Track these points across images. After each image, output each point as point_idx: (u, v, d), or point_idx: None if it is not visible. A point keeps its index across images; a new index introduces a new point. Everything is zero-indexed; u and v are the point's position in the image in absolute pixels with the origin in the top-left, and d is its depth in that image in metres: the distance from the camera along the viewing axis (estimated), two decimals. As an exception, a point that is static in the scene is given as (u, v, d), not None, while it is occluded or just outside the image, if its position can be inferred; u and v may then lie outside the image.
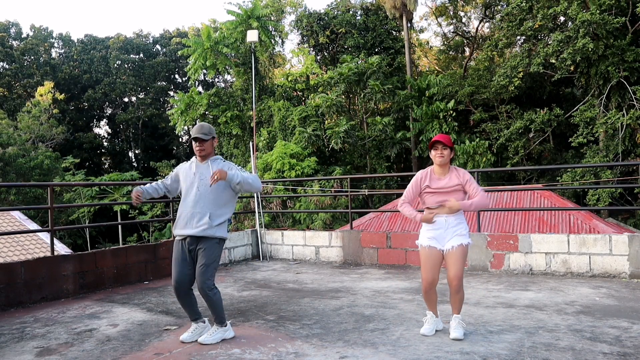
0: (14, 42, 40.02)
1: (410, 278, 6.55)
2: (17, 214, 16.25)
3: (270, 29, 26.29)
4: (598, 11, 17.15)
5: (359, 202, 22.16)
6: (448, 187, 3.86)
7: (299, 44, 29.98)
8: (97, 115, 44.34)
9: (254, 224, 14.71)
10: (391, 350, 3.70)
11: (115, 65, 41.56)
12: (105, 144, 42.98)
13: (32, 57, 39.56)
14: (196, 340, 4.06)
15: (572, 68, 20.13)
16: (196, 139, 4.07)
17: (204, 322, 4.19)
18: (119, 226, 29.51)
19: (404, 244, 7.51)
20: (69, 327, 4.64)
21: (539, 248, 6.62)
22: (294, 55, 31.78)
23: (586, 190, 19.67)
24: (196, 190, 4.04)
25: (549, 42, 19.70)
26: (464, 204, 3.83)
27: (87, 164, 37.24)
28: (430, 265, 3.90)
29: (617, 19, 17.28)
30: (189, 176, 4.13)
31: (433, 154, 3.91)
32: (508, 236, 6.87)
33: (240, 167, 4.17)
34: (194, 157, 4.22)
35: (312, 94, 24.56)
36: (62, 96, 36.25)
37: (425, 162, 25.37)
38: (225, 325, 4.11)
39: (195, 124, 27.76)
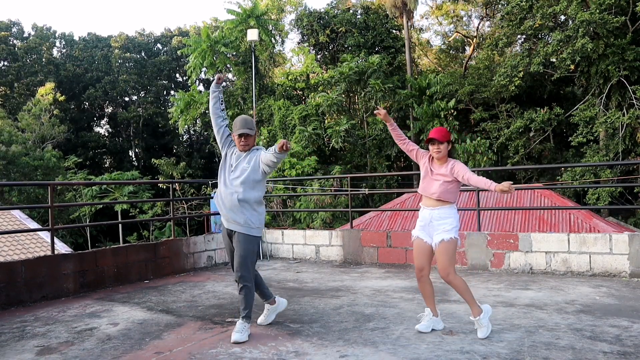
0: (16, 41, 39.99)
1: (411, 277, 6.55)
2: (17, 213, 16.25)
3: (270, 28, 26.25)
4: (598, 10, 17.12)
5: (359, 201, 22.15)
6: (446, 175, 4.05)
7: (299, 43, 29.94)
8: (98, 114, 44.32)
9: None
10: (391, 349, 3.71)
11: (117, 63, 41.56)
12: (106, 142, 42.93)
13: (35, 56, 39.52)
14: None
15: (572, 67, 20.12)
16: (241, 135, 4.05)
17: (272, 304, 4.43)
18: (120, 225, 29.53)
19: (404, 243, 7.50)
20: (69, 326, 4.65)
21: (539, 247, 6.62)
22: (294, 54, 31.78)
23: (586, 189, 19.67)
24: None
25: (549, 42, 19.68)
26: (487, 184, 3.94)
27: (87, 162, 37.21)
28: (418, 253, 4.15)
29: (617, 18, 17.26)
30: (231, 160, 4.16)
31: (431, 149, 4.14)
32: (508, 235, 6.87)
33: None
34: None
35: (312, 93, 24.54)
36: (62, 98, 36.22)
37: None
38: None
39: (196, 122, 27.87)
